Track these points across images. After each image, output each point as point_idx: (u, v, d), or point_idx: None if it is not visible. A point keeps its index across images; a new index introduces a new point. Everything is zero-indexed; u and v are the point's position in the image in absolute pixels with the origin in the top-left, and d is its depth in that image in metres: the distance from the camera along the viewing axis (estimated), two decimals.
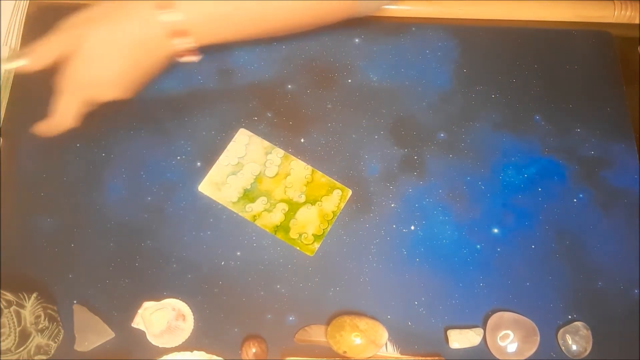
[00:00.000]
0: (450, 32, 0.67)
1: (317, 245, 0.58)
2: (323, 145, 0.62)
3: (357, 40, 0.67)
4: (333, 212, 0.59)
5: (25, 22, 0.65)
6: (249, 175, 0.60)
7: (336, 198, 0.59)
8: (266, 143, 0.61)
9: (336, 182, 0.60)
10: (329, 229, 0.58)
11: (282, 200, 0.59)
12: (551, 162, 0.62)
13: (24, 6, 0.66)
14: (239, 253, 0.57)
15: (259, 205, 0.59)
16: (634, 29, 0.70)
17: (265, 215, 0.59)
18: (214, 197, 0.59)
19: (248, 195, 0.59)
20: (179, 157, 0.61)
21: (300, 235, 0.58)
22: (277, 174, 0.60)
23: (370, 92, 0.64)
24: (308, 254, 0.57)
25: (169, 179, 0.60)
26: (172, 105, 0.62)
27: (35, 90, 0.62)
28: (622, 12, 0.69)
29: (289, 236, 0.58)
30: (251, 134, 0.61)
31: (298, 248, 0.58)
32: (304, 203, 0.59)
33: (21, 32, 0.64)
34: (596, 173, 0.62)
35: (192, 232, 0.58)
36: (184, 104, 0.63)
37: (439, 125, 0.63)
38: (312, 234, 0.58)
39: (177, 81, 0.63)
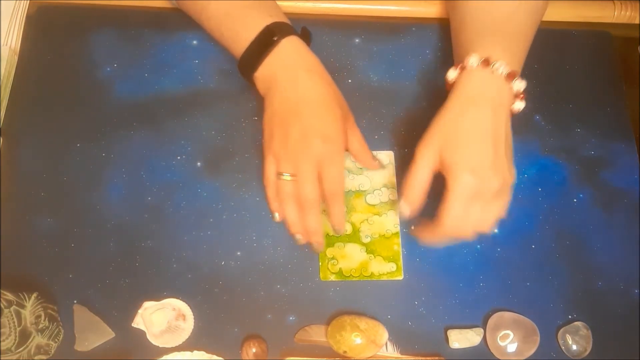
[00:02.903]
0: (450, 32, 0.67)
1: (334, 279, 0.57)
2: None
3: (357, 40, 0.67)
4: (372, 273, 0.57)
5: (25, 22, 0.65)
6: (357, 184, 0.60)
7: (385, 268, 0.57)
8: (394, 179, 0.60)
9: (400, 260, 0.57)
10: (355, 279, 0.57)
11: (352, 224, 0.58)
12: (551, 162, 0.62)
13: (24, 6, 0.65)
14: (239, 253, 0.57)
15: None
16: (634, 29, 0.70)
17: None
18: None
19: None
20: (179, 157, 0.61)
21: (331, 259, 0.57)
22: (372, 205, 0.59)
23: (370, 92, 0.64)
24: (321, 277, 0.57)
25: (169, 179, 0.60)
26: (172, 105, 0.62)
27: (36, 90, 0.62)
28: (622, 12, 0.69)
29: (325, 250, 0.57)
30: (393, 162, 0.61)
31: (320, 264, 0.57)
32: (363, 244, 0.58)
33: (21, 32, 0.64)
34: (596, 173, 0.62)
35: (192, 232, 0.58)
36: (184, 104, 0.63)
37: None
38: (340, 269, 0.57)
39: (177, 81, 0.63)
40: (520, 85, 0.52)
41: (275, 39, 0.53)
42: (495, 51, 0.52)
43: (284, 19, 0.56)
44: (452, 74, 0.54)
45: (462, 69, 0.52)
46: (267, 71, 0.54)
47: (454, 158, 0.50)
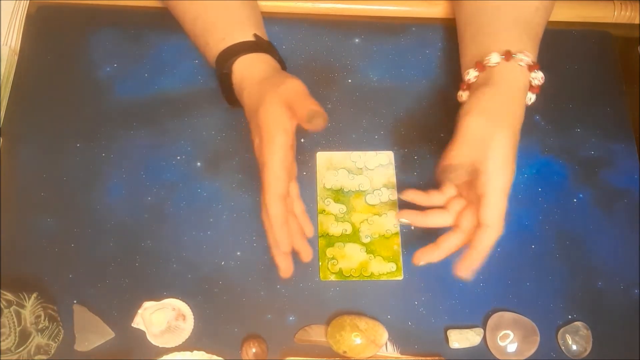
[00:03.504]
0: (450, 32, 0.67)
1: (334, 279, 0.57)
2: (323, 145, 0.62)
3: (357, 40, 0.67)
4: (372, 273, 0.57)
5: (25, 22, 0.65)
6: (356, 184, 0.60)
7: (385, 268, 0.57)
8: (394, 179, 0.60)
9: (400, 260, 0.57)
10: (355, 280, 0.57)
11: (352, 224, 0.58)
12: (551, 162, 0.62)
13: (24, 6, 0.66)
14: (239, 253, 0.57)
15: (334, 209, 0.59)
16: (634, 29, 0.70)
17: (329, 219, 0.58)
18: (318, 169, 0.60)
19: (338, 194, 0.59)
20: (179, 157, 0.61)
21: (331, 259, 0.57)
22: (372, 205, 0.59)
23: (370, 92, 0.64)
24: (321, 277, 0.57)
25: (169, 179, 0.60)
26: (172, 105, 0.62)
27: (36, 90, 0.62)
28: (622, 12, 0.69)
29: (325, 250, 0.57)
30: (393, 162, 0.61)
31: (320, 264, 0.57)
32: (363, 244, 0.58)
33: (21, 32, 0.64)
34: (596, 173, 0.62)
35: (192, 232, 0.58)
36: (184, 104, 0.63)
37: (439, 125, 0.63)
38: (340, 269, 0.57)
39: (177, 81, 0.63)
40: (538, 76, 0.53)
41: (226, 70, 0.55)
42: (514, 44, 0.52)
43: (233, 39, 0.55)
44: (473, 73, 0.53)
45: (482, 68, 0.52)
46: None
47: (504, 154, 0.49)
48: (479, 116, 0.50)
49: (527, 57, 0.51)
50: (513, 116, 0.51)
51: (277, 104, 0.50)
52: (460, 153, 0.49)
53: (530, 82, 0.53)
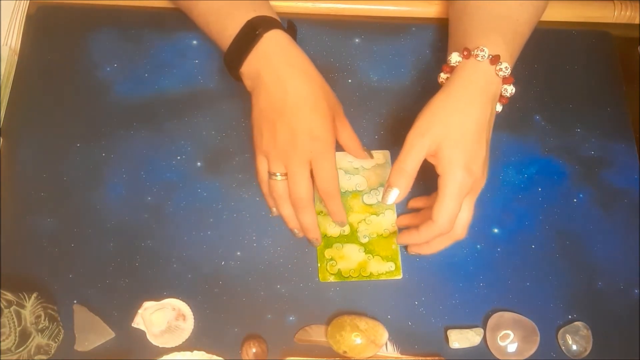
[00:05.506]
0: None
1: (333, 280, 0.57)
2: None
3: (357, 40, 0.67)
4: (370, 273, 0.57)
5: (25, 22, 0.65)
6: (354, 184, 0.60)
7: (384, 267, 0.57)
8: None
9: (399, 259, 0.57)
10: (354, 280, 0.57)
11: (350, 224, 0.58)
12: (551, 162, 0.62)
13: (24, 6, 0.65)
14: (239, 253, 0.57)
15: None
16: (634, 29, 0.70)
17: (327, 220, 0.58)
18: None
19: None
20: (179, 157, 0.61)
21: (330, 260, 0.57)
22: (369, 205, 0.59)
23: (370, 92, 0.64)
24: (320, 278, 0.57)
25: (169, 179, 0.60)
26: (172, 105, 0.62)
27: (36, 90, 0.62)
28: (622, 12, 0.69)
29: (323, 252, 0.57)
30: (389, 162, 0.61)
31: (318, 265, 0.57)
32: (361, 244, 0.58)
33: (21, 32, 0.64)
34: (596, 173, 0.62)
35: (192, 232, 0.58)
36: (184, 104, 0.63)
37: None
38: (339, 270, 0.57)
39: (177, 81, 0.63)
40: (511, 90, 0.53)
41: (257, 32, 0.52)
42: (502, 51, 0.52)
43: (270, 13, 0.55)
44: (455, 58, 0.53)
45: (468, 56, 0.52)
46: (251, 67, 0.53)
47: (452, 154, 0.49)
48: (445, 97, 0.52)
49: (508, 69, 0.51)
50: (476, 105, 0.51)
51: (330, 110, 0.53)
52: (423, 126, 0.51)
53: (501, 92, 0.53)
